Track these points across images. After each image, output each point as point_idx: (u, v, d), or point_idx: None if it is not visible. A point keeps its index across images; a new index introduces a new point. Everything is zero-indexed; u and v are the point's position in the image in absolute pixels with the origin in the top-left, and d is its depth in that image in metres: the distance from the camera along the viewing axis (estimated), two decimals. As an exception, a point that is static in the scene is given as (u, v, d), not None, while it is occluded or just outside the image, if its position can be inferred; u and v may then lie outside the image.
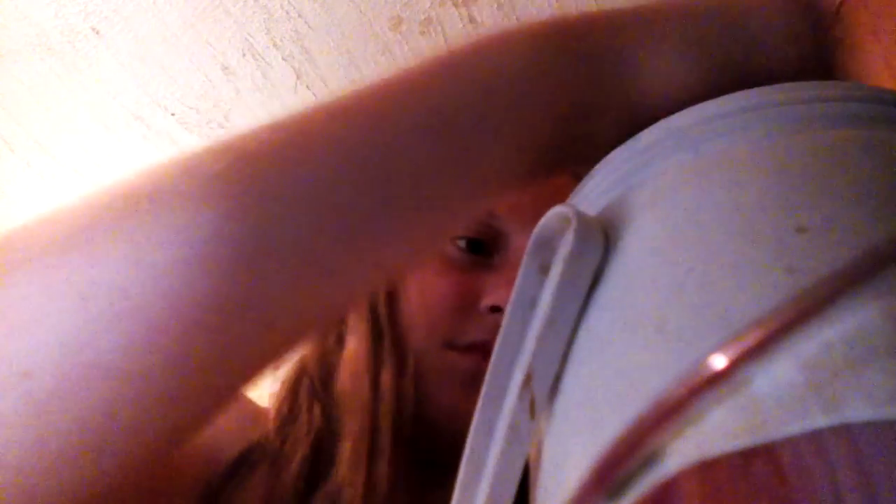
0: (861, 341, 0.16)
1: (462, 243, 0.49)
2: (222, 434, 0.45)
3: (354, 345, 0.49)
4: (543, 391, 0.21)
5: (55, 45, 1.38)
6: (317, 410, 0.47)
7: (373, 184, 0.22)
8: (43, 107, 1.49)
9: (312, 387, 0.49)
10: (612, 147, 0.25)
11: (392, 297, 0.49)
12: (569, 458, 0.20)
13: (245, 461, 0.45)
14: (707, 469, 0.16)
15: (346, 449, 0.43)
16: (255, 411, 0.51)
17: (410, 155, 0.23)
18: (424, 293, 0.49)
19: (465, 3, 1.39)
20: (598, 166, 0.25)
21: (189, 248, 0.20)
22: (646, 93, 0.26)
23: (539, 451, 0.22)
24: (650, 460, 0.16)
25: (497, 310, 0.46)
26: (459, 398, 0.45)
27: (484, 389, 0.23)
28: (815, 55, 0.29)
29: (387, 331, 0.48)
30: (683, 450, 0.16)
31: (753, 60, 0.27)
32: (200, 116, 1.53)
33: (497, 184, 0.26)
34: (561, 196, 0.53)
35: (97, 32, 1.36)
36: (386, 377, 0.46)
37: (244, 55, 1.42)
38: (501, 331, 0.23)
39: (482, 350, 0.45)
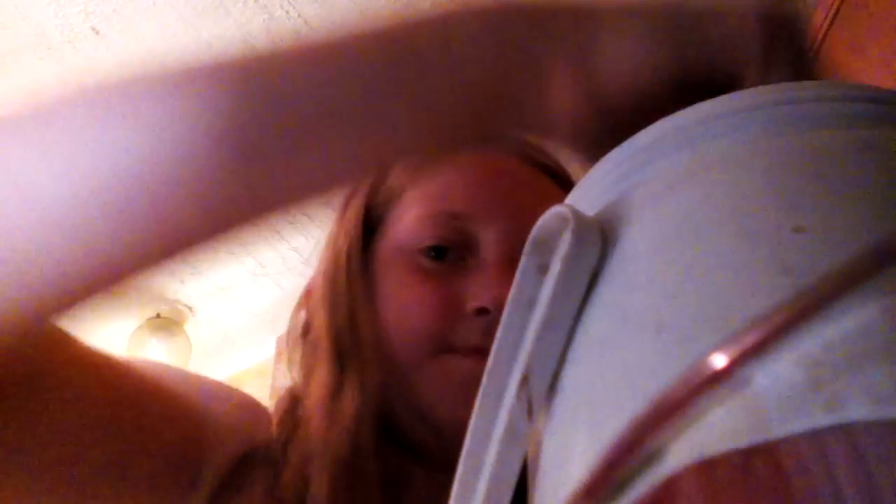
0: (862, 340, 0.15)
1: (432, 253, 0.49)
2: (227, 423, 0.46)
3: (319, 375, 0.49)
4: (541, 391, 0.21)
5: (55, 45, 1.38)
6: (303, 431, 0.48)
7: (334, 95, 0.28)
8: (43, 107, 1.49)
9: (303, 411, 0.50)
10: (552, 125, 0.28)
11: (356, 324, 0.49)
12: (567, 459, 0.20)
13: (247, 462, 0.45)
14: (707, 468, 0.16)
15: (315, 466, 0.44)
16: (259, 411, 0.51)
17: (361, 82, 0.28)
18: (404, 308, 0.48)
19: (465, 3, 1.39)
20: (596, 166, 0.25)
21: (209, 118, 0.26)
22: (596, 74, 0.28)
23: (537, 452, 0.22)
24: (650, 459, 0.16)
25: (483, 312, 0.46)
26: (458, 401, 0.45)
27: (481, 390, 0.23)
28: (775, 71, 0.30)
29: (351, 359, 0.48)
30: (684, 449, 0.16)
31: (704, 61, 0.29)
32: (200, 116, 1.53)
33: (433, 130, 0.29)
34: (521, 191, 0.51)
35: (97, 32, 1.36)
36: (344, 402, 0.46)
37: (244, 55, 1.42)
38: (499, 331, 0.23)
39: (480, 353, 0.45)
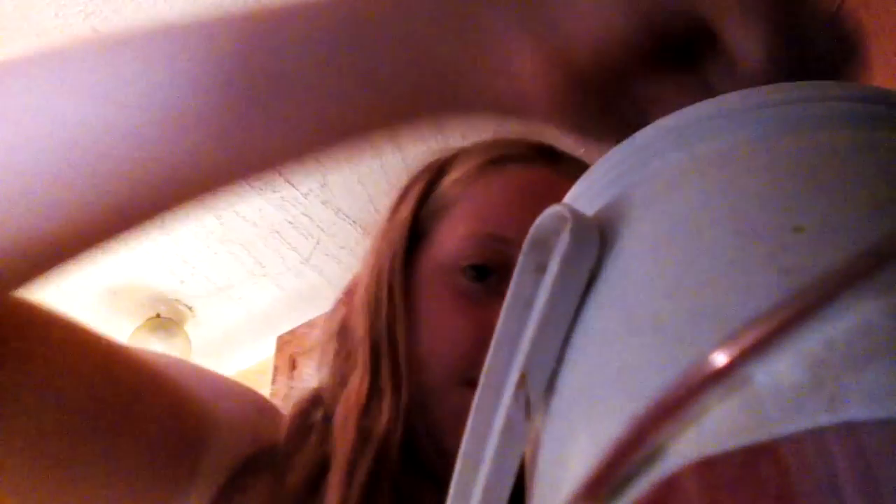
0: (863, 339, 0.15)
1: (471, 273, 0.48)
2: (235, 422, 0.46)
3: (354, 383, 0.48)
4: (539, 391, 0.21)
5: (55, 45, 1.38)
6: (324, 436, 0.47)
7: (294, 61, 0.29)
8: (43, 107, 1.49)
9: (325, 415, 0.50)
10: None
11: (394, 337, 0.49)
12: (565, 458, 0.20)
13: (253, 463, 0.45)
14: (708, 467, 0.16)
15: (333, 480, 0.44)
16: (269, 412, 0.51)
17: (313, 52, 0.29)
18: (439, 330, 0.48)
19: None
20: (594, 166, 0.25)
21: (206, 65, 0.28)
22: (560, 38, 0.27)
23: (535, 451, 0.22)
24: (651, 458, 0.16)
25: None
26: None
27: (479, 389, 0.23)
28: None
29: (386, 372, 0.48)
30: (684, 448, 0.16)
31: (677, 9, 0.27)
32: (200, 116, 1.53)
33: (392, 101, 0.30)
34: None
35: (97, 32, 1.36)
36: (376, 419, 0.46)
37: (244, 55, 1.42)
38: (497, 330, 0.23)
39: None
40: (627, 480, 0.17)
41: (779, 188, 0.19)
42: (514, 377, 0.21)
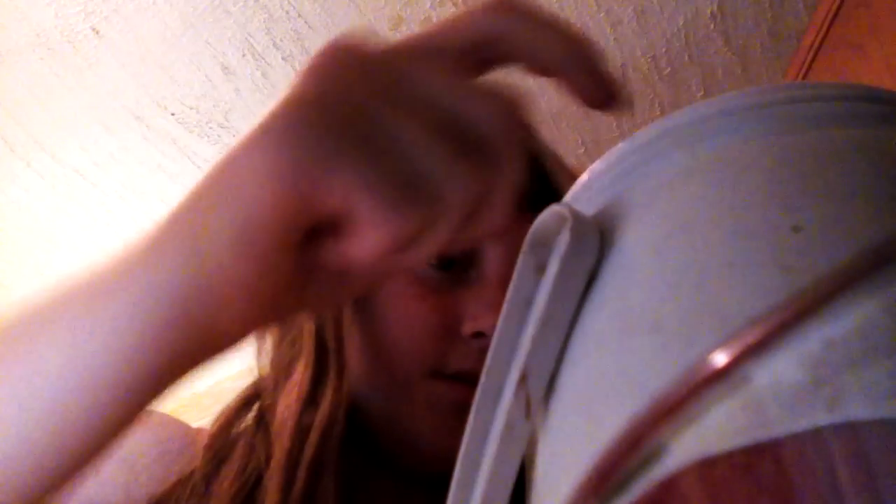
0: (863, 339, 0.15)
1: (433, 261, 0.46)
2: (141, 470, 0.43)
3: (297, 374, 0.46)
4: (539, 391, 0.21)
5: (55, 45, 1.38)
6: (258, 438, 0.45)
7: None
8: (43, 107, 1.49)
9: (259, 413, 0.47)
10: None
11: (340, 324, 0.47)
12: (565, 458, 0.20)
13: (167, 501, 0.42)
14: (708, 467, 0.16)
15: (271, 484, 0.42)
16: (185, 438, 0.48)
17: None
18: (402, 320, 0.46)
19: (465, 3, 1.39)
20: (593, 165, 0.25)
21: None
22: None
23: (535, 451, 0.22)
24: (651, 458, 0.16)
25: (480, 335, 0.44)
26: (445, 430, 0.43)
27: (479, 389, 0.23)
28: None
29: (332, 359, 0.46)
30: (684, 447, 0.16)
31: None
32: (200, 116, 1.53)
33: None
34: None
35: (97, 32, 1.36)
36: (320, 411, 0.44)
37: (244, 55, 1.42)
38: (497, 330, 0.23)
39: (469, 380, 0.43)
40: (628, 480, 0.17)
41: (778, 188, 0.19)
42: (514, 377, 0.21)
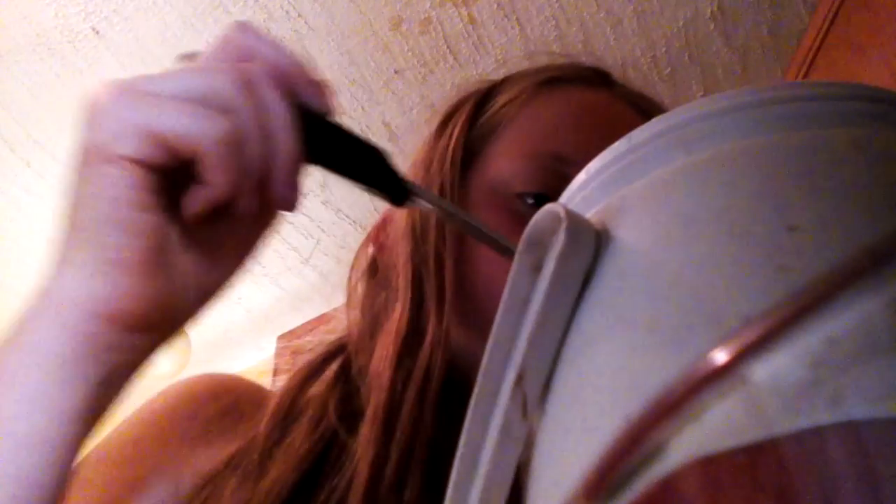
0: (863, 337, 0.15)
1: (531, 200, 0.44)
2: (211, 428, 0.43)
3: (393, 318, 0.43)
4: (535, 390, 0.21)
5: (55, 45, 1.38)
6: (332, 402, 0.43)
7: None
8: (43, 107, 1.50)
9: (341, 369, 0.45)
10: None
11: (441, 262, 0.44)
12: (563, 457, 0.19)
13: (219, 474, 0.41)
14: (709, 465, 0.16)
15: (366, 435, 0.39)
16: (257, 396, 0.47)
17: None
18: (494, 263, 0.41)
19: (466, 2, 1.39)
20: (589, 165, 0.25)
21: None
22: None
23: (532, 451, 0.22)
24: (651, 457, 0.16)
25: None
26: None
27: (476, 389, 0.23)
28: None
29: (431, 300, 0.43)
30: (685, 446, 0.16)
31: None
32: (200, 116, 1.52)
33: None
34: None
35: (97, 32, 1.36)
36: (417, 355, 0.41)
37: (244, 55, 1.42)
38: (493, 330, 0.23)
39: None
40: (628, 479, 0.17)
41: (774, 187, 0.19)
42: (511, 376, 0.21)
